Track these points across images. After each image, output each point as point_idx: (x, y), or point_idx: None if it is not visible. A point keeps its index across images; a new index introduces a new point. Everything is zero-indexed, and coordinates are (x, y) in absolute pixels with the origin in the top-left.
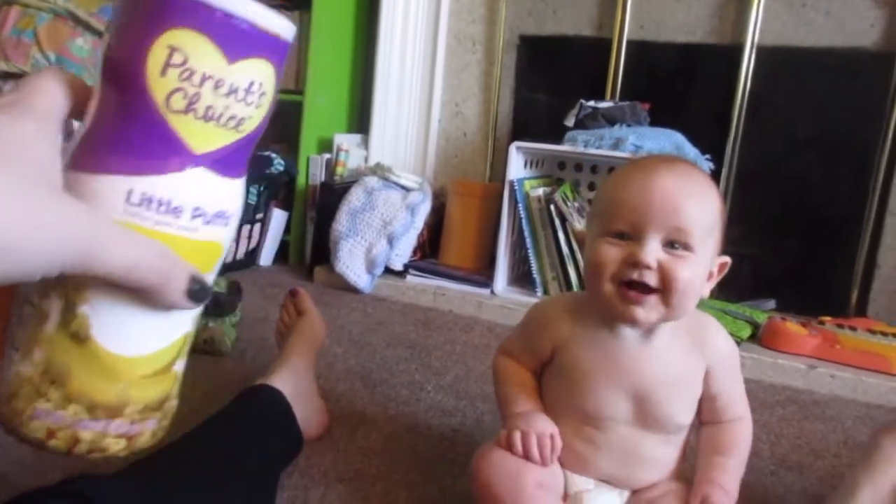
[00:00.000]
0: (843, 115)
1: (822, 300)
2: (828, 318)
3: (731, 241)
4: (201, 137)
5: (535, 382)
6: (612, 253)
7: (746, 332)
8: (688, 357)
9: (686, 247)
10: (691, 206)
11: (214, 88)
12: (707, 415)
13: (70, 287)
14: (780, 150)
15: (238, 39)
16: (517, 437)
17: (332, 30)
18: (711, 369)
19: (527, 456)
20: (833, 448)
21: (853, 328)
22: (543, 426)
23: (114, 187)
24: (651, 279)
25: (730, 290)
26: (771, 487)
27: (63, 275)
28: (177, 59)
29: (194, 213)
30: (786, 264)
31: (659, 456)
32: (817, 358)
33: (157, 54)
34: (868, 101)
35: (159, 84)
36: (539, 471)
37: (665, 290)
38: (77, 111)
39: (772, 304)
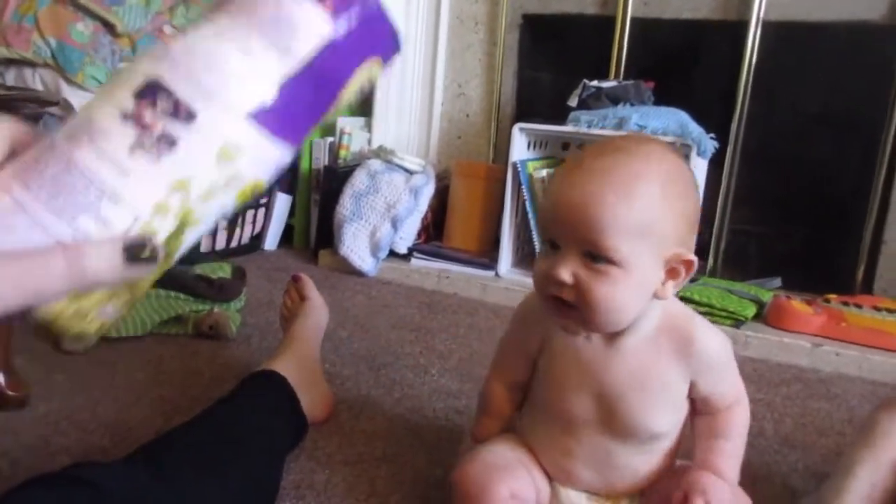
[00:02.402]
0: (849, 90)
1: (828, 278)
2: (833, 296)
3: (737, 219)
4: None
5: (510, 410)
6: (541, 266)
7: (751, 311)
8: (667, 365)
9: (609, 260)
10: (609, 213)
11: (362, 91)
12: (701, 408)
13: (191, 218)
14: (786, 126)
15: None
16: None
17: None
18: (698, 377)
19: None
20: (837, 426)
21: (859, 305)
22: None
23: (276, 155)
24: (567, 294)
25: (735, 268)
26: (774, 466)
27: (191, 205)
28: (366, 79)
29: None
30: (792, 242)
31: (634, 466)
32: (823, 336)
33: (359, 76)
34: (875, 75)
35: (346, 95)
36: (513, 481)
37: (582, 307)
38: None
39: (777, 282)
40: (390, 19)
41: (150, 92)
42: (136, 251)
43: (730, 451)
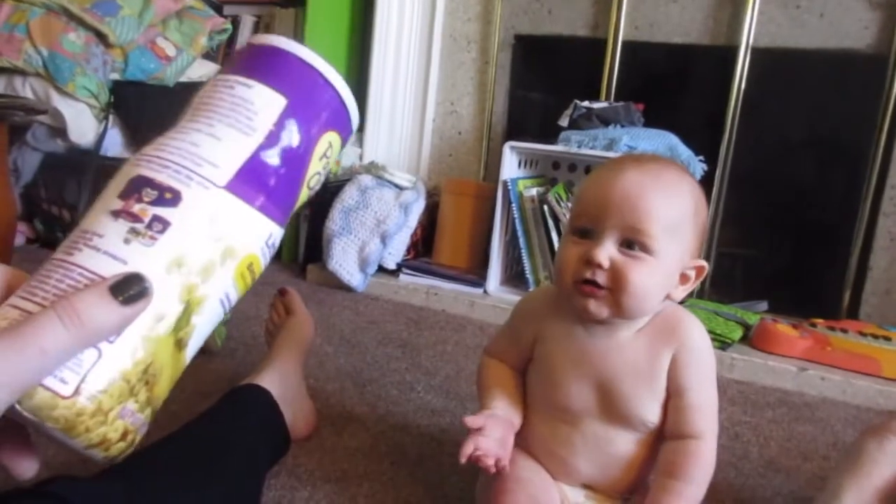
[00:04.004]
0: (836, 117)
1: (814, 302)
2: (819, 320)
3: (724, 242)
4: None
5: (515, 380)
6: (572, 252)
7: (738, 333)
8: (654, 348)
9: (644, 247)
10: (652, 204)
11: (325, 167)
12: (671, 419)
13: (195, 296)
14: (773, 151)
15: (348, 131)
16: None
17: (327, 28)
18: (677, 358)
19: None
20: (822, 450)
21: (844, 330)
22: (488, 436)
23: (262, 227)
24: (601, 278)
25: (722, 291)
26: (759, 490)
27: (192, 282)
28: (327, 152)
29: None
30: (778, 265)
31: (632, 456)
32: (808, 360)
33: (320, 147)
34: (861, 102)
35: (312, 167)
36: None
37: (615, 289)
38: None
39: (764, 305)
40: (341, 94)
41: (134, 188)
42: (122, 287)
43: (684, 495)
